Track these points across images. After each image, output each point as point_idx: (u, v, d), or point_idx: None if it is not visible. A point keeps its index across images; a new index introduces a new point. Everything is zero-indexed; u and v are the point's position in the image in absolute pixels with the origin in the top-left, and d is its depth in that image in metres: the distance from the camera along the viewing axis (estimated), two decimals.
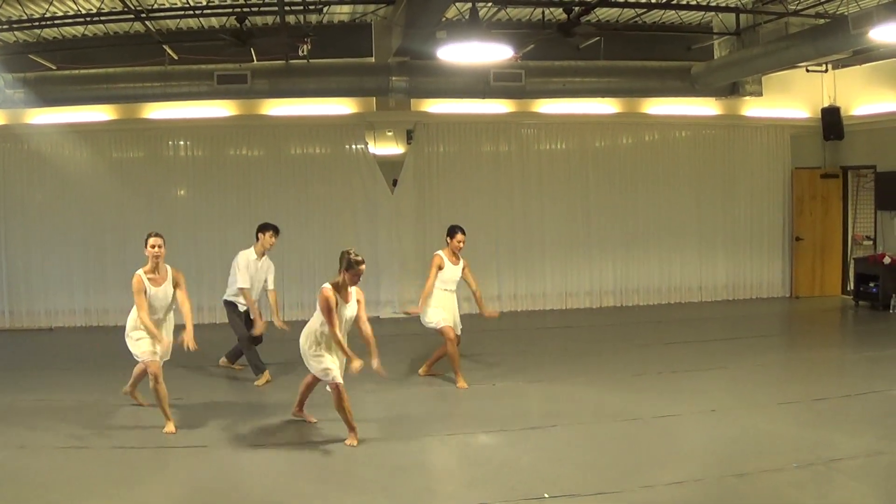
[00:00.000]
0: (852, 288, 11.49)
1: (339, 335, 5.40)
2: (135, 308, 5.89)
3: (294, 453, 5.48)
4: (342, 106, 10.96)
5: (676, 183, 11.69)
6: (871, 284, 10.87)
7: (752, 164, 11.91)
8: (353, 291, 5.59)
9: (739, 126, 11.88)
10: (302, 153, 10.95)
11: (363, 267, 5.47)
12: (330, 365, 5.49)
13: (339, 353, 5.54)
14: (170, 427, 5.87)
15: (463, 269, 7.26)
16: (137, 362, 6.04)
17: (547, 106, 11.33)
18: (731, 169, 11.85)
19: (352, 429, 5.56)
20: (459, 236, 7.15)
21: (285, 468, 5.20)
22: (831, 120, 11.57)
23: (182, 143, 10.71)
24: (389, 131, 11.06)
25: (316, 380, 5.77)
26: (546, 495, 4.60)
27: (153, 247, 5.90)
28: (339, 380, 5.48)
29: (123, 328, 5.98)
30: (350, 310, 5.56)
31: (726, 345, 8.86)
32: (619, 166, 11.58)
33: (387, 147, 11.06)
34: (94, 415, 6.37)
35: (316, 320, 5.57)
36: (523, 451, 5.44)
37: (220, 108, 10.66)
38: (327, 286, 5.44)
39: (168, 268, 6.03)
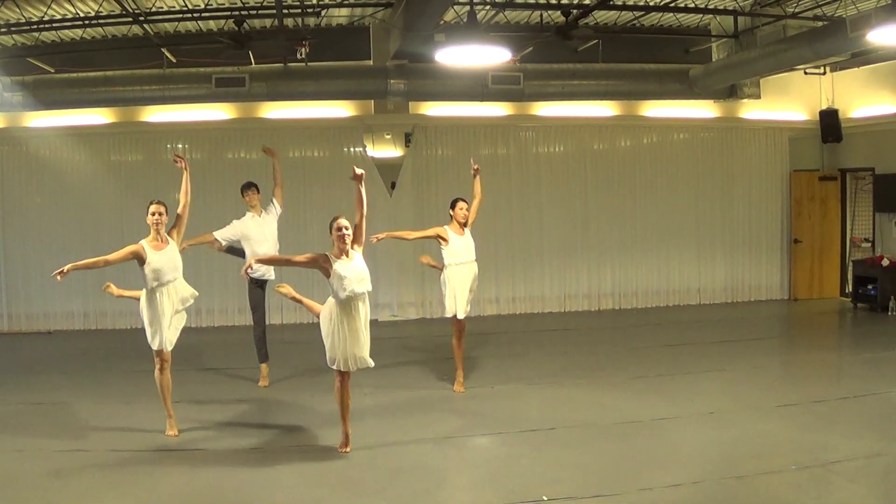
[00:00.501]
0: (851, 290, 11.49)
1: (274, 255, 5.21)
2: (144, 294, 5.79)
3: (293, 456, 5.47)
4: (340, 109, 10.95)
5: (675, 185, 11.68)
6: (870, 287, 10.87)
7: (751, 167, 11.90)
8: (355, 254, 5.47)
9: (738, 128, 11.88)
10: (300, 156, 10.94)
11: (340, 221, 5.37)
12: (337, 354, 5.40)
13: (357, 340, 5.41)
14: (172, 430, 5.87)
15: (473, 215, 7.19)
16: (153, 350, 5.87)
17: (545, 109, 11.33)
18: (729, 171, 11.84)
19: (345, 431, 5.52)
20: (461, 204, 7.15)
21: (285, 472, 5.19)
22: (829, 122, 11.56)
23: (180, 146, 10.69)
24: (388, 134, 11.06)
25: None
26: (545, 498, 4.60)
27: (153, 214, 5.75)
28: (349, 368, 5.42)
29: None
30: (352, 266, 5.38)
31: (725, 347, 8.85)
32: (618, 169, 11.57)
33: (385, 150, 11.07)
34: (92, 418, 6.36)
35: (330, 299, 5.49)
36: (522, 453, 5.43)
37: (219, 111, 10.65)
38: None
39: (167, 236, 5.88)
